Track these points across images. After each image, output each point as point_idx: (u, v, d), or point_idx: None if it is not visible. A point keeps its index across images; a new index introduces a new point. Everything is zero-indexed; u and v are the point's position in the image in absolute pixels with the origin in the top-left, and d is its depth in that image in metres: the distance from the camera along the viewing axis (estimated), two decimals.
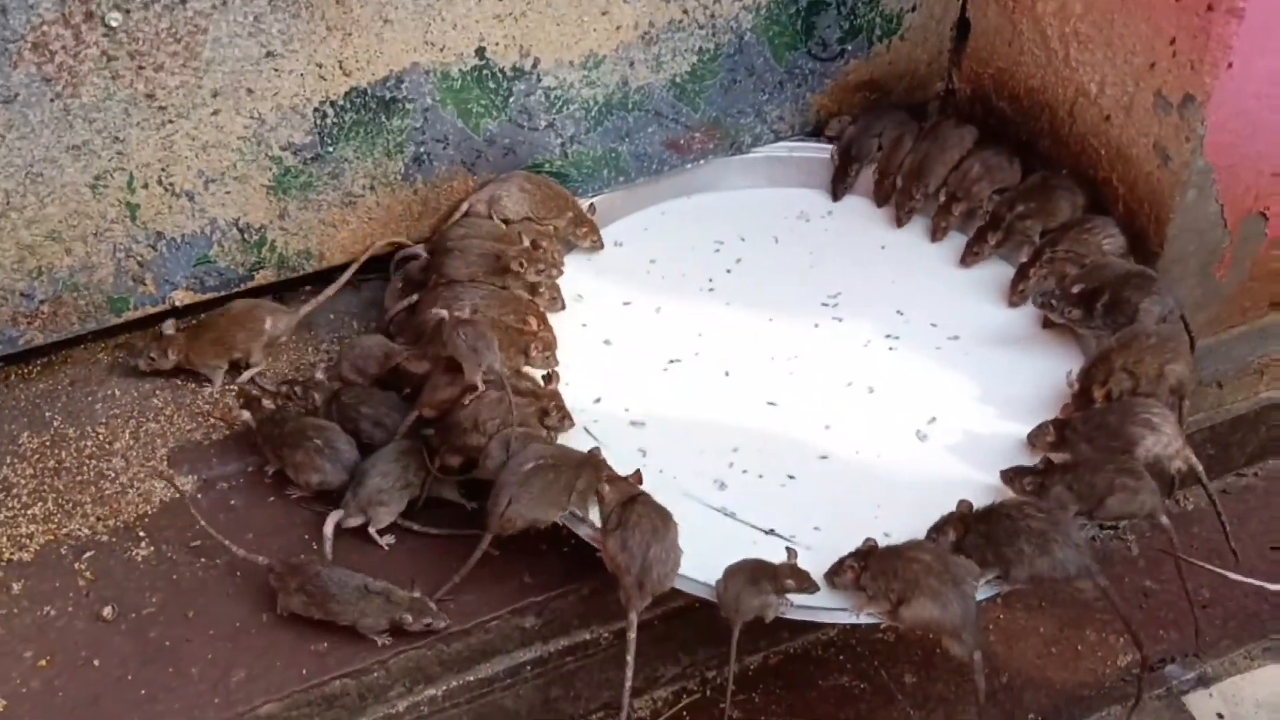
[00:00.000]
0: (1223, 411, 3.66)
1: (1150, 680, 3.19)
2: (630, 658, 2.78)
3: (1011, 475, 3.05)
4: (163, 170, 3.24)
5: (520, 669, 3.05)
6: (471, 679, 3.05)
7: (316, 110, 3.30)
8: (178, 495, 3.24)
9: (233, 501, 3.26)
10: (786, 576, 2.83)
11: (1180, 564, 3.04)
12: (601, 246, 3.74)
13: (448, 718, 3.04)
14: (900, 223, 3.83)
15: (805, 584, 2.85)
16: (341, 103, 3.33)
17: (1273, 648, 3.36)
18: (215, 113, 3.20)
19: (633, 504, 2.88)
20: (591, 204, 3.76)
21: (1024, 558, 2.80)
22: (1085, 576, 2.81)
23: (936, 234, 3.79)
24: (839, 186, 3.94)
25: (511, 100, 3.52)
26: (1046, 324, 3.47)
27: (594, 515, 2.97)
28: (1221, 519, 3.13)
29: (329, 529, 3.08)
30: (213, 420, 3.44)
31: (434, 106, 3.43)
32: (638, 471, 3.03)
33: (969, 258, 3.69)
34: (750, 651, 3.30)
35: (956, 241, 3.79)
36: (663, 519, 2.85)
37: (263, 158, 3.32)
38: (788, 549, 2.91)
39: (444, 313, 3.19)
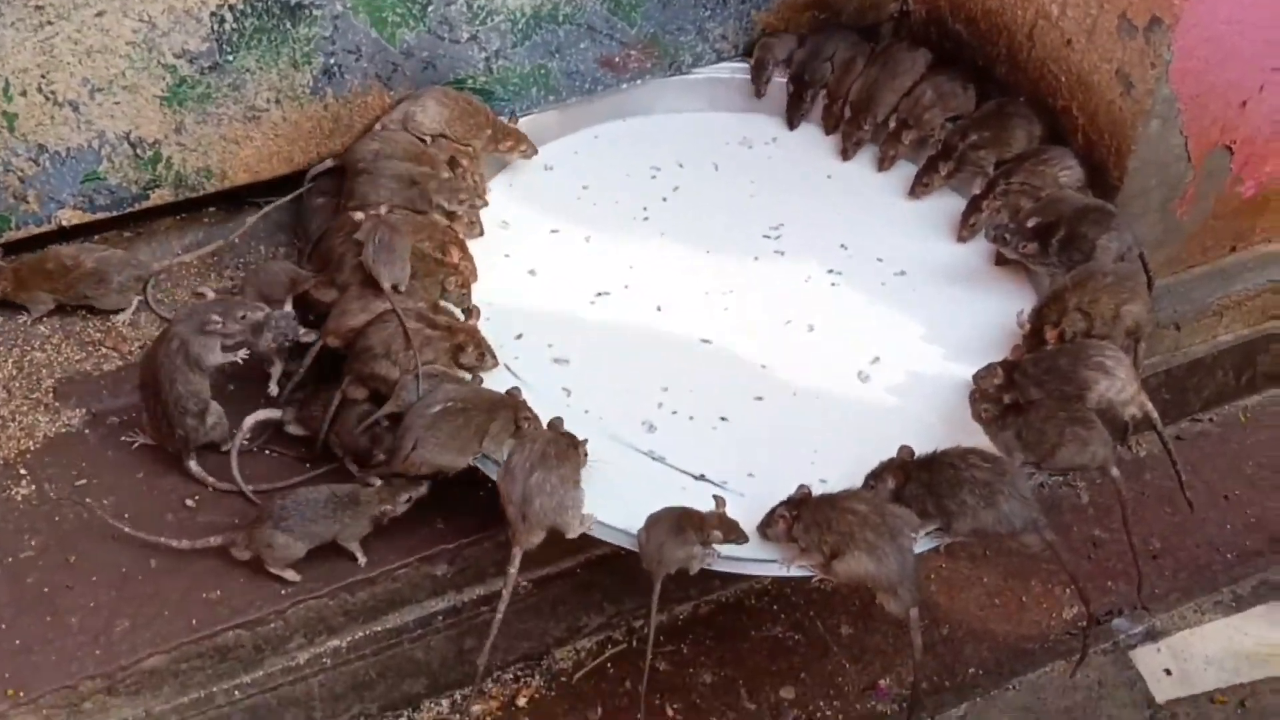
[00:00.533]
0: (1179, 355, 3.52)
1: (1097, 634, 3.08)
2: (505, 593, 2.65)
3: (976, 395, 2.92)
4: (42, 77, 2.98)
5: (432, 619, 2.88)
6: (379, 629, 2.87)
7: (214, 15, 3.04)
8: (64, 430, 3.02)
9: (124, 437, 3.03)
10: (714, 527, 2.65)
11: (1128, 519, 2.90)
12: (534, 153, 3.51)
13: (352, 670, 2.87)
14: (847, 155, 3.64)
15: (734, 534, 2.68)
16: (241, 7, 3.07)
17: (1223, 602, 3.24)
18: (100, 14, 2.94)
19: (533, 434, 2.71)
20: (514, 112, 3.55)
21: (967, 510, 2.64)
22: (1032, 530, 2.65)
23: (884, 163, 3.60)
24: (794, 114, 3.73)
25: (430, 9, 3.28)
26: (999, 260, 3.29)
27: None
28: (1176, 468, 3.00)
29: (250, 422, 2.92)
30: (104, 350, 3.21)
31: (345, 14, 3.18)
32: (558, 420, 2.83)
33: (918, 189, 3.51)
34: (679, 600, 3.14)
35: (906, 172, 3.59)
36: (559, 450, 2.66)
37: (155, 66, 3.06)
38: (715, 497, 2.73)
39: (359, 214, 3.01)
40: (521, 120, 3.58)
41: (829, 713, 2.98)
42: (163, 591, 2.75)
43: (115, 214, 3.26)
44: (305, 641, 2.81)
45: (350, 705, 2.89)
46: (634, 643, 3.09)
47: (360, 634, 2.85)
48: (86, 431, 3.04)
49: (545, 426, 2.81)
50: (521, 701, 3.00)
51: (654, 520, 2.65)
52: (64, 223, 3.21)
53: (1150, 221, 3.31)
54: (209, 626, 2.72)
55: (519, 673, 3.05)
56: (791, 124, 3.73)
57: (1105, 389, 2.82)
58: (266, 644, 2.77)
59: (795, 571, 2.67)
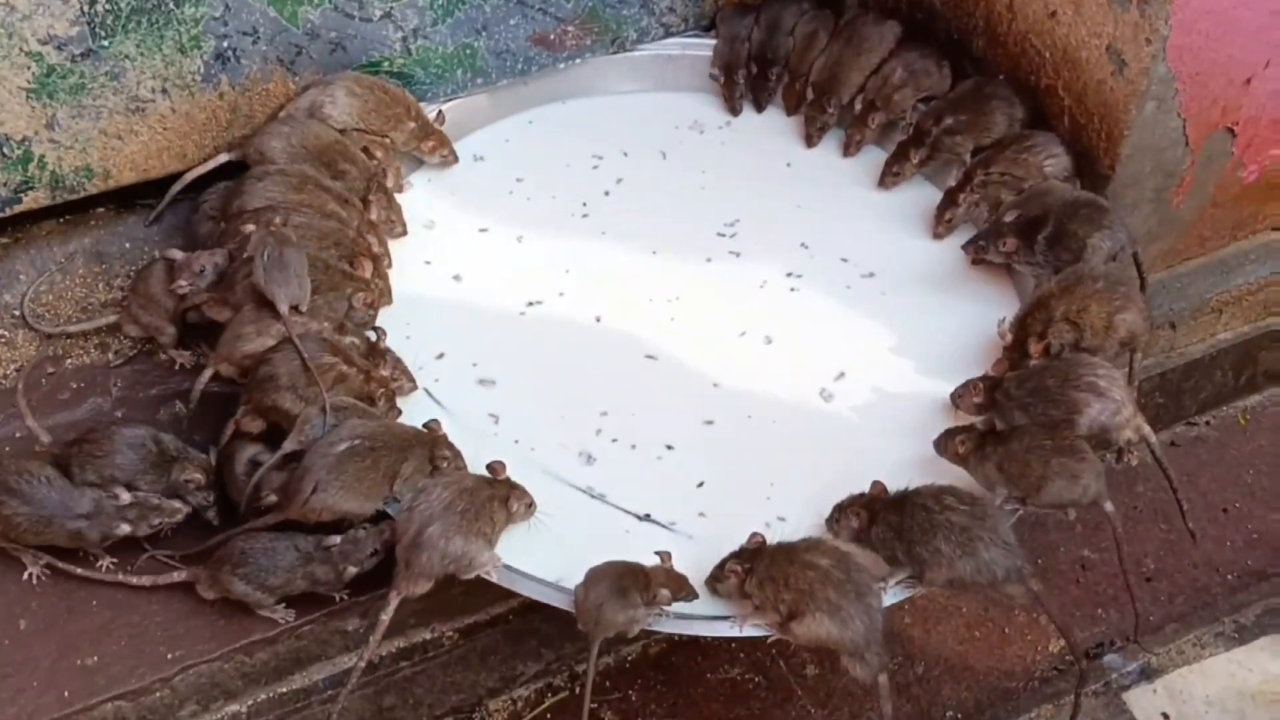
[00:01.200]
0: (1175, 356, 3.27)
1: (1087, 670, 2.80)
2: (373, 640, 2.41)
3: (945, 436, 2.61)
4: None
5: (344, 678, 2.56)
6: (284, 690, 2.61)
7: None
8: None
9: None
10: (660, 584, 2.37)
11: (1124, 558, 2.63)
12: (455, 160, 3.19)
13: None
14: (811, 141, 3.31)
15: (683, 591, 2.40)
16: None
17: (1225, 633, 2.98)
18: None
19: (448, 477, 2.44)
20: (440, 111, 3.20)
21: (942, 559, 2.35)
22: (1015, 580, 2.37)
23: (850, 148, 3.29)
24: (760, 96, 3.40)
25: None
26: (977, 260, 2.98)
27: None
28: (1178, 496, 2.74)
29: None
30: None
31: None
32: (499, 464, 2.52)
33: (888, 179, 3.19)
34: (627, 640, 2.85)
35: (874, 159, 3.27)
36: (474, 504, 2.38)
37: (17, 54, 2.72)
38: (658, 553, 2.42)
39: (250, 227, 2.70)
40: (448, 105, 3.24)
41: None
42: (34, 658, 2.48)
43: None
44: (199, 709, 2.55)
45: None
46: (575, 689, 2.85)
47: (262, 697, 2.59)
48: None
49: (468, 467, 2.54)
50: None
51: (594, 576, 2.36)
52: None
53: (1144, 213, 3.03)
54: (84, 699, 2.44)
55: None
56: (759, 107, 3.41)
57: (1098, 413, 2.53)
58: (152, 714, 2.51)
59: (749, 631, 2.39)
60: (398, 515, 2.38)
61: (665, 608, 2.37)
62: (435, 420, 2.57)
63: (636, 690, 2.84)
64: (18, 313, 2.94)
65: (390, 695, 2.70)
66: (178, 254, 2.77)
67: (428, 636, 2.68)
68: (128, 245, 3.07)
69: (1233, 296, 3.25)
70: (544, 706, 2.83)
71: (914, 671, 2.89)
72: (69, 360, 2.92)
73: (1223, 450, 3.34)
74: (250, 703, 2.57)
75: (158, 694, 2.47)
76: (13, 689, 2.41)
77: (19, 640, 2.48)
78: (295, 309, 2.58)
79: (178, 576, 2.50)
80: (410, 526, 2.33)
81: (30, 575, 2.52)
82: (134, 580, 2.49)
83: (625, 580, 2.34)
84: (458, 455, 2.54)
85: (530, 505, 2.47)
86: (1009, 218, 2.88)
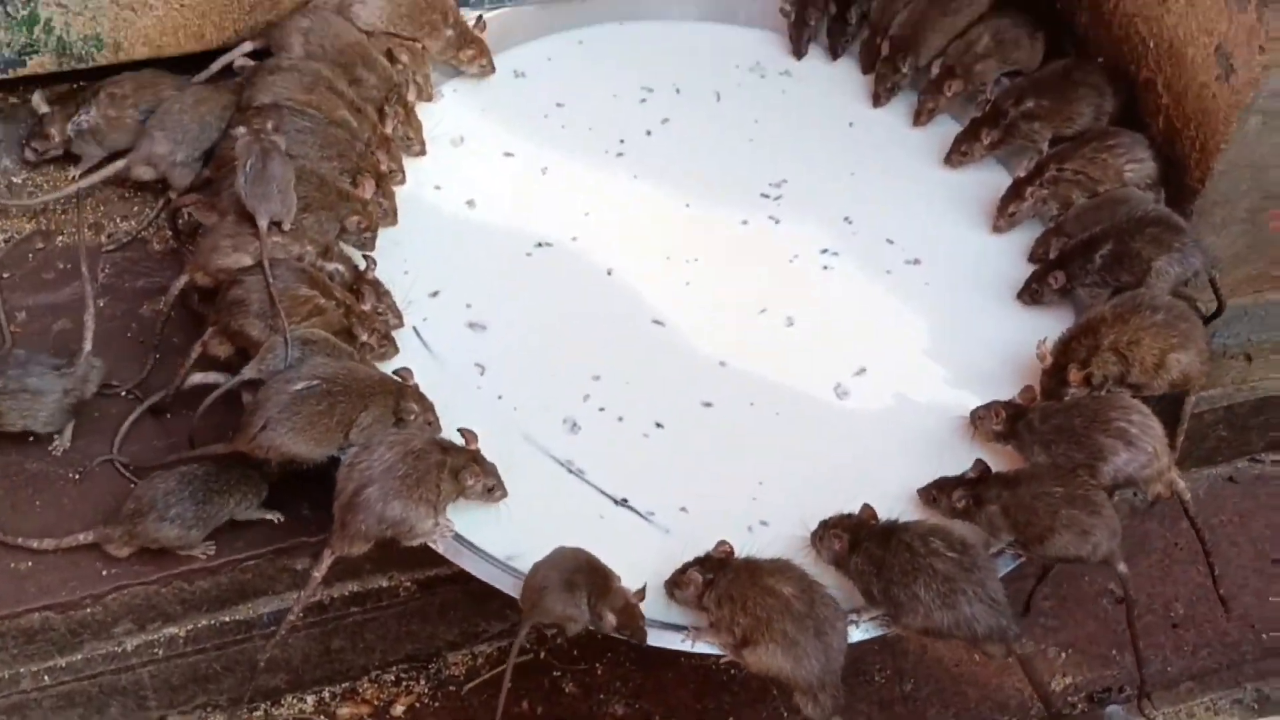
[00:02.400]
0: (1246, 389, 3.04)
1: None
2: (303, 595, 2.32)
3: (934, 492, 2.40)
4: None
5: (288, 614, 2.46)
6: (226, 620, 2.53)
7: None
8: None
9: None
10: (614, 608, 2.22)
11: (1133, 621, 2.43)
12: (492, 71, 3.01)
13: (190, 663, 2.54)
14: (879, 100, 3.09)
15: (632, 630, 2.24)
16: None
17: (1244, 701, 2.81)
18: None
19: (395, 436, 2.28)
20: (481, 17, 3.01)
21: (920, 606, 2.18)
22: (997, 640, 2.18)
23: (920, 116, 3.08)
24: (836, 42, 3.19)
25: None
26: (1035, 303, 2.77)
27: None
28: (1210, 561, 2.57)
29: None
30: None
31: None
32: (469, 433, 2.38)
33: (955, 157, 2.98)
34: None
35: (945, 132, 3.04)
36: (419, 469, 2.24)
37: None
38: (638, 591, 2.26)
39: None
40: (503, 10, 3.06)
41: None
42: None
43: None
44: (134, 628, 2.47)
45: (194, 695, 2.59)
46: (541, 654, 2.71)
47: (203, 623, 2.51)
48: None
49: (440, 421, 2.40)
50: (398, 710, 2.67)
51: (553, 561, 2.23)
52: None
53: (1233, 234, 2.82)
54: (11, 604, 2.38)
55: (401, 674, 2.72)
56: (833, 54, 3.19)
57: (1125, 462, 2.33)
58: (83, 629, 2.43)
59: (700, 648, 2.23)
60: (339, 472, 2.24)
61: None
62: (407, 369, 2.43)
63: (604, 665, 2.71)
64: (17, 179, 2.83)
65: (339, 638, 2.61)
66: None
67: (384, 584, 2.57)
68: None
69: None
70: (503, 666, 2.64)
71: (901, 688, 2.73)
72: (59, 238, 2.81)
73: None
74: (190, 628, 2.49)
75: (89, 610, 2.40)
76: None
77: None
78: (276, 226, 2.42)
79: (84, 538, 2.38)
80: (348, 485, 2.20)
81: None
82: (35, 544, 2.38)
83: (580, 579, 2.20)
84: (428, 409, 2.39)
85: (492, 490, 2.33)
86: (1053, 251, 2.70)
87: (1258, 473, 3.15)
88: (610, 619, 2.20)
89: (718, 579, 2.20)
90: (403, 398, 2.37)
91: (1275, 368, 3.01)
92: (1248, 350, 2.97)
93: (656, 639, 2.26)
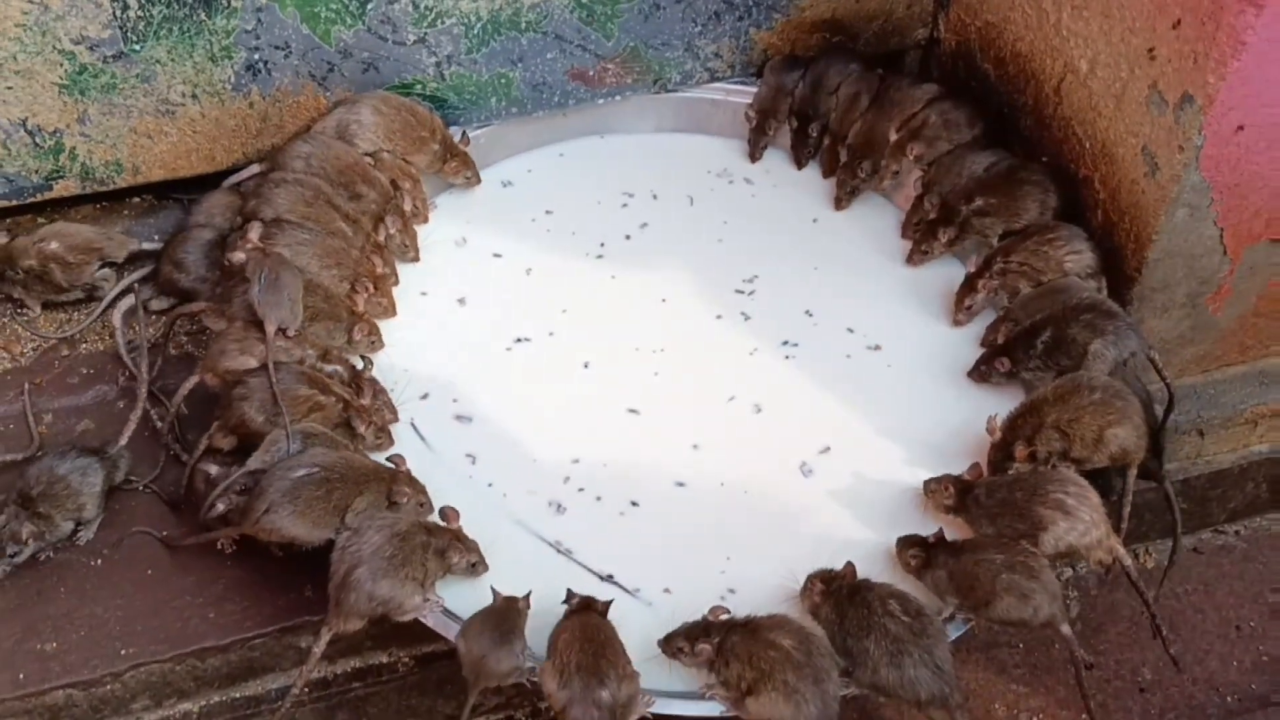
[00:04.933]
0: (1201, 463, 3.12)
1: None
2: (305, 671, 2.42)
3: (900, 546, 2.53)
4: None
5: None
6: (236, 696, 2.66)
7: (115, 0, 2.72)
8: None
9: None
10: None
11: (1083, 683, 2.51)
12: (478, 183, 3.19)
13: None
14: (840, 204, 3.23)
15: None
16: None
17: None
18: None
19: (381, 520, 2.42)
20: (464, 132, 3.20)
21: (869, 660, 2.30)
22: (939, 706, 2.28)
23: (840, 201, 3.24)
24: (800, 154, 3.33)
25: (370, 6, 2.94)
26: (984, 381, 2.89)
27: None
28: (1156, 622, 2.63)
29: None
30: None
31: (269, 6, 2.86)
32: (450, 510, 2.54)
33: (916, 256, 3.09)
34: None
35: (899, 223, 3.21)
36: (404, 550, 2.37)
37: (50, 51, 2.79)
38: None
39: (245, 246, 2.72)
40: (490, 128, 3.26)
41: None
42: None
43: (15, 202, 2.99)
44: (151, 704, 2.60)
45: None
46: None
47: (215, 699, 2.64)
48: None
49: (432, 503, 2.56)
50: None
51: (473, 626, 2.36)
52: None
53: (1175, 317, 2.91)
54: (37, 683, 2.51)
55: None
56: (798, 164, 3.35)
57: (1064, 531, 2.44)
58: (104, 705, 2.56)
59: (708, 709, 2.35)
60: (332, 554, 2.39)
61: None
62: (399, 455, 2.58)
63: None
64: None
65: (343, 712, 2.71)
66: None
67: (384, 660, 2.69)
68: (156, 236, 3.12)
69: (1271, 410, 3.08)
70: None
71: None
72: (84, 345, 3.00)
73: (1247, 564, 3.18)
74: (203, 703, 2.61)
75: (109, 686, 2.52)
76: None
77: None
78: (282, 332, 2.61)
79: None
80: (341, 566, 2.35)
81: None
82: None
83: (508, 628, 2.34)
84: (419, 492, 2.54)
85: (475, 565, 2.46)
86: (1001, 337, 2.82)
87: (1221, 543, 3.20)
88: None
89: (723, 642, 2.32)
90: (395, 482, 2.51)
91: (1226, 442, 3.08)
92: (1199, 426, 3.04)
93: (664, 707, 2.35)
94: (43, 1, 2.69)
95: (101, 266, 2.99)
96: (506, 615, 2.36)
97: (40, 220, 3.13)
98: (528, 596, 2.41)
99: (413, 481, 2.55)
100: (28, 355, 2.98)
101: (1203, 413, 3.05)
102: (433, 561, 2.40)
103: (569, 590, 2.42)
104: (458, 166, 3.12)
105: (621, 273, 3.07)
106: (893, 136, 3.15)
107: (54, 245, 2.95)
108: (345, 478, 2.47)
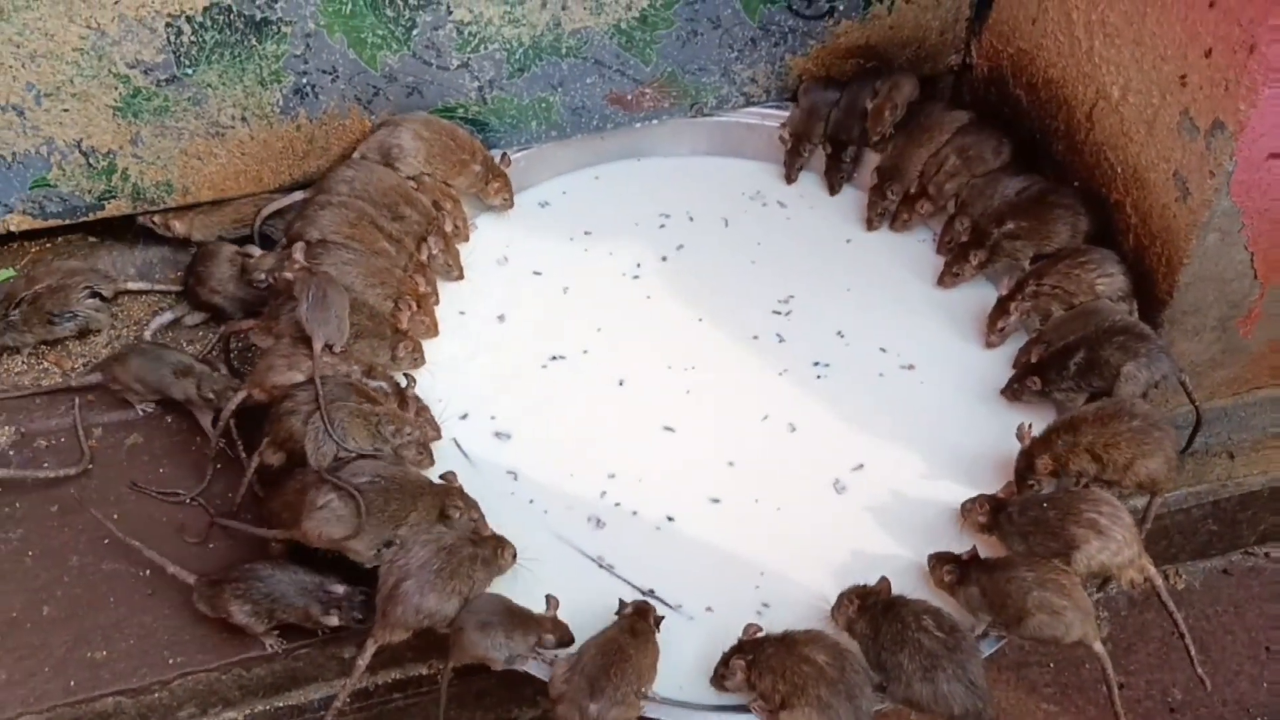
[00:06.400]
0: (1231, 485, 3.11)
1: None
2: (349, 682, 2.47)
3: (934, 560, 2.56)
4: None
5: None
6: (280, 705, 2.69)
7: (169, 25, 2.81)
8: None
9: (45, 464, 2.87)
10: (547, 631, 2.44)
11: (1116, 701, 2.51)
12: (512, 205, 3.25)
13: None
14: (870, 225, 3.27)
15: (566, 638, 2.46)
16: (200, 19, 2.83)
17: None
18: (42, 18, 2.73)
19: (427, 535, 2.48)
20: (505, 154, 3.25)
21: (903, 675, 2.33)
22: None
23: (895, 224, 3.27)
24: (833, 178, 3.37)
25: (415, 33, 3.00)
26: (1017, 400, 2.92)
27: None
28: (1186, 641, 2.60)
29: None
30: (46, 364, 3.03)
31: (318, 32, 2.92)
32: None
33: (947, 279, 3.12)
34: None
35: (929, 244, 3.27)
36: (452, 563, 2.43)
37: (105, 74, 2.86)
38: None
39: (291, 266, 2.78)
40: (529, 151, 3.32)
41: None
42: (49, 644, 2.62)
43: (68, 221, 3.07)
44: (197, 712, 2.65)
45: None
46: None
47: (260, 708, 2.68)
48: (10, 453, 2.90)
49: (485, 517, 2.63)
50: None
51: (471, 608, 2.44)
52: (12, 228, 3.05)
53: (1206, 341, 2.93)
54: (88, 690, 2.57)
55: None
56: (832, 189, 3.38)
57: (1096, 550, 2.46)
58: (152, 712, 2.61)
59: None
60: (381, 567, 2.44)
61: (542, 651, 2.43)
62: (451, 472, 2.63)
63: None
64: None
65: None
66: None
67: (424, 672, 2.72)
68: (132, 270, 3.21)
69: None
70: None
71: None
72: None
73: (1278, 586, 3.19)
74: (248, 711, 2.65)
75: (156, 694, 2.57)
76: (25, 671, 2.55)
77: (39, 625, 2.62)
78: (329, 348, 2.67)
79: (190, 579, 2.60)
80: (389, 579, 2.40)
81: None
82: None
83: (495, 620, 2.41)
84: (471, 507, 2.59)
85: (513, 555, 2.53)
86: (1034, 357, 2.83)
87: (1251, 565, 3.21)
88: (549, 639, 2.41)
89: (757, 657, 2.36)
90: (449, 497, 2.57)
91: (1256, 464, 3.08)
92: (1230, 449, 3.07)
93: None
94: (100, 27, 2.77)
95: (90, 296, 3.05)
96: (512, 611, 2.42)
97: (90, 239, 3.23)
98: (554, 601, 2.47)
99: (465, 497, 2.61)
100: (78, 371, 3.04)
101: (1233, 435, 3.08)
102: (479, 571, 2.45)
103: (621, 600, 2.47)
104: (499, 188, 3.18)
105: (657, 293, 3.13)
106: (918, 167, 3.20)
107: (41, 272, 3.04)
108: (404, 489, 2.53)
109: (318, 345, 2.65)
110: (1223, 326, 2.91)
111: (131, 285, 3.15)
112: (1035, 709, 2.94)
